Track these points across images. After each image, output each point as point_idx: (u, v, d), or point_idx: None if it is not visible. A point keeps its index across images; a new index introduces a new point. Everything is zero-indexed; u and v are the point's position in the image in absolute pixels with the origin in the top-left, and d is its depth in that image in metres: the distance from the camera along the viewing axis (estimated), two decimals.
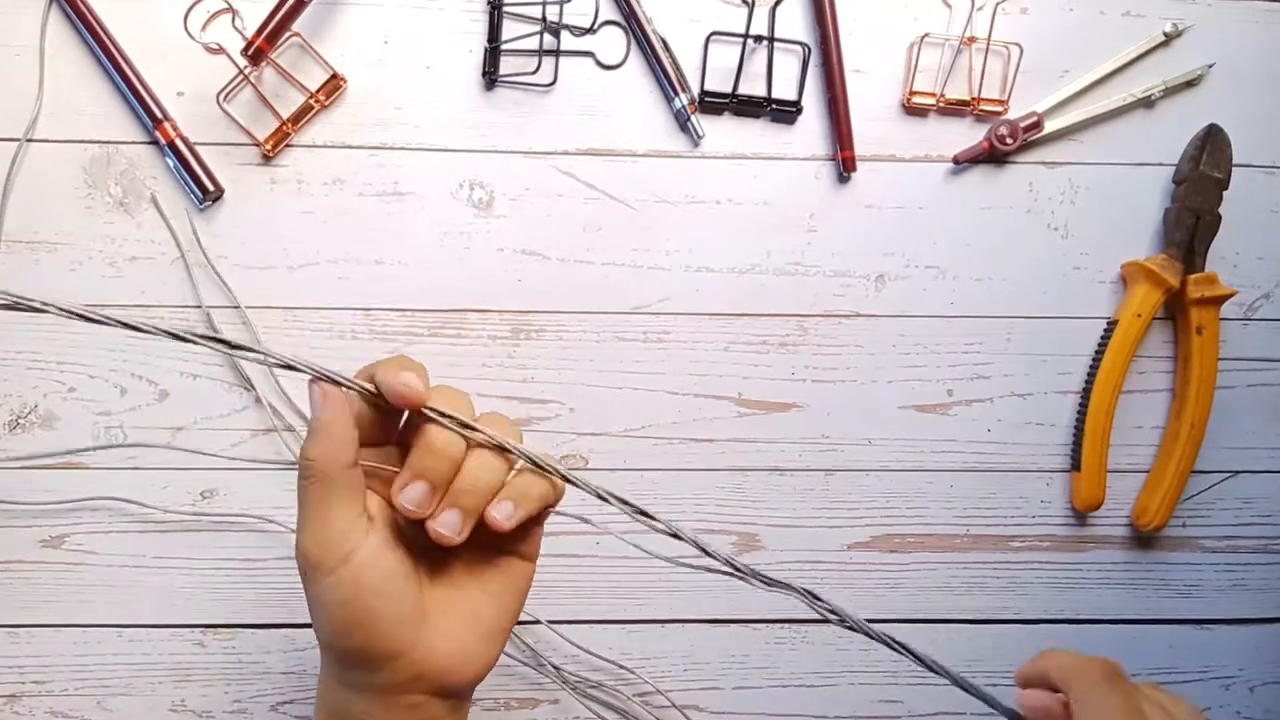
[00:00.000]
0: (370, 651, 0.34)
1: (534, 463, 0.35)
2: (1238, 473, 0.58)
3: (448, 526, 0.34)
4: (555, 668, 0.55)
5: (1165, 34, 0.56)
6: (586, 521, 0.55)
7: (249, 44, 0.50)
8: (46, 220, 0.53)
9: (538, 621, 0.55)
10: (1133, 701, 0.33)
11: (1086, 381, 0.57)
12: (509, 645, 0.55)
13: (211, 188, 0.52)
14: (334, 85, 0.53)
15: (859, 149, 0.55)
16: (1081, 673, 0.35)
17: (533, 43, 0.54)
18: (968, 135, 0.56)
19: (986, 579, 0.57)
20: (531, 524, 0.37)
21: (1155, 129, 0.57)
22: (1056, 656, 0.36)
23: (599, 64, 0.55)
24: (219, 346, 0.34)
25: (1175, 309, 0.57)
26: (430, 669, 0.35)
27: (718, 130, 0.55)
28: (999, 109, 0.56)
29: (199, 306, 0.53)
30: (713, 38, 0.55)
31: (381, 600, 0.34)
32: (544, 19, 0.54)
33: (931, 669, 0.36)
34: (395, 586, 0.34)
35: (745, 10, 0.55)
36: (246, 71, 0.52)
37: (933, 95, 0.56)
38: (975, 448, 0.57)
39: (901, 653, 0.36)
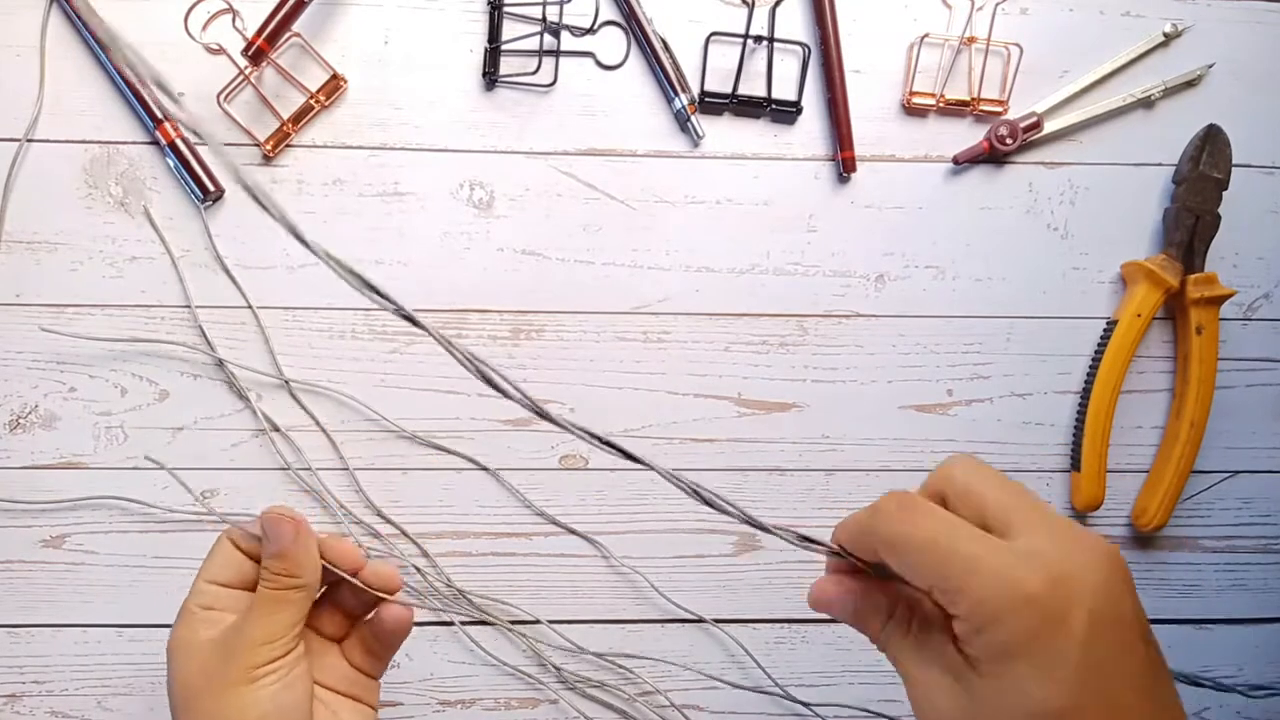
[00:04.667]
0: None
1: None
2: (1237, 473, 0.58)
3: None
4: (555, 667, 0.55)
5: (1165, 34, 0.56)
6: (578, 534, 0.55)
7: (249, 44, 0.50)
8: (47, 220, 0.53)
9: (538, 621, 0.55)
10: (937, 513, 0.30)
11: (1086, 381, 0.57)
12: (510, 644, 0.55)
13: (212, 188, 0.53)
14: (334, 85, 0.53)
15: (859, 149, 0.55)
16: (875, 526, 0.31)
17: (533, 43, 0.54)
18: (967, 135, 0.56)
19: None
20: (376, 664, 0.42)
21: (1155, 129, 0.57)
22: (841, 531, 0.33)
23: (599, 64, 0.55)
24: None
25: (1175, 309, 0.57)
26: None
27: (718, 130, 0.55)
28: (999, 109, 0.56)
29: (201, 306, 0.53)
30: (713, 38, 0.55)
31: (298, 704, 0.37)
32: (544, 19, 0.54)
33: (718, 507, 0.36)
34: (306, 696, 0.38)
35: (745, 10, 0.55)
36: (247, 72, 0.52)
37: (932, 95, 0.56)
38: (975, 448, 0.57)
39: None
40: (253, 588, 0.38)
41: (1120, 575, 0.29)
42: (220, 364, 0.53)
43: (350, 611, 0.42)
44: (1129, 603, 0.28)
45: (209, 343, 0.53)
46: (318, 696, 0.39)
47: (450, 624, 0.54)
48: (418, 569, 0.54)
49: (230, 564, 0.38)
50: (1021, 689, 0.27)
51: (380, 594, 0.40)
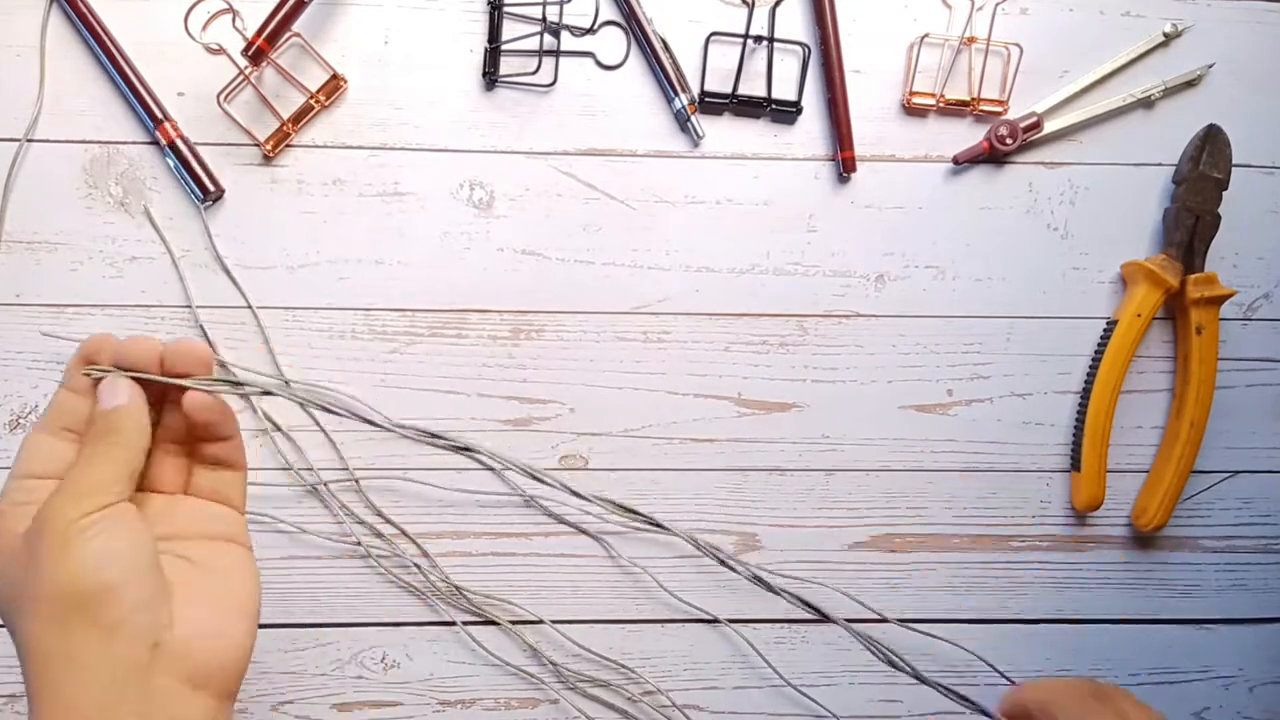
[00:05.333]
0: (123, 590, 0.32)
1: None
2: (1237, 473, 0.58)
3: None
4: (555, 665, 0.55)
5: (1165, 34, 0.56)
6: (584, 532, 0.55)
7: (249, 44, 0.51)
8: (47, 220, 0.53)
9: (540, 621, 0.55)
10: (1112, 712, 0.34)
11: (1086, 381, 0.57)
12: (510, 644, 0.55)
13: (212, 188, 0.53)
14: (334, 85, 0.53)
15: (859, 149, 0.55)
16: (1060, 697, 0.36)
17: (533, 43, 0.54)
18: (967, 135, 0.56)
19: (986, 579, 0.57)
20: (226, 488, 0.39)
21: (1155, 129, 0.57)
22: (1031, 688, 0.37)
23: (599, 64, 0.55)
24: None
25: (1175, 309, 0.57)
26: (179, 638, 0.33)
27: (718, 130, 0.56)
28: (999, 109, 0.56)
29: (201, 306, 0.53)
30: (713, 38, 0.55)
31: (135, 547, 0.33)
32: (544, 19, 0.54)
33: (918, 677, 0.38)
34: (144, 541, 0.34)
35: (745, 10, 0.55)
36: (247, 72, 0.52)
37: (932, 95, 0.56)
38: (975, 448, 0.57)
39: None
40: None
41: None
42: (221, 364, 0.53)
43: (183, 439, 0.39)
44: None
45: (209, 343, 0.53)
46: (182, 553, 0.36)
47: (451, 624, 0.54)
48: (419, 568, 0.54)
49: (43, 453, 0.35)
50: None
51: (179, 380, 0.36)
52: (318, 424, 0.54)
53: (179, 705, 0.33)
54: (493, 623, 0.55)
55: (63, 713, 0.32)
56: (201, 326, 0.53)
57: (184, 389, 0.36)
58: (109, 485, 0.34)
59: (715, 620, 0.55)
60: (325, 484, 0.54)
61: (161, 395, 0.37)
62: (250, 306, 0.53)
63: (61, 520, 0.32)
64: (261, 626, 0.54)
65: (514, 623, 0.55)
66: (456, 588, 0.54)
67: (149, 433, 0.36)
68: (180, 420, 0.37)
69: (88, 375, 0.36)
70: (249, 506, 0.53)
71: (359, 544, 0.54)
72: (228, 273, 0.53)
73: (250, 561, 0.38)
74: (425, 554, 0.54)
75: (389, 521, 0.54)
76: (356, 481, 0.54)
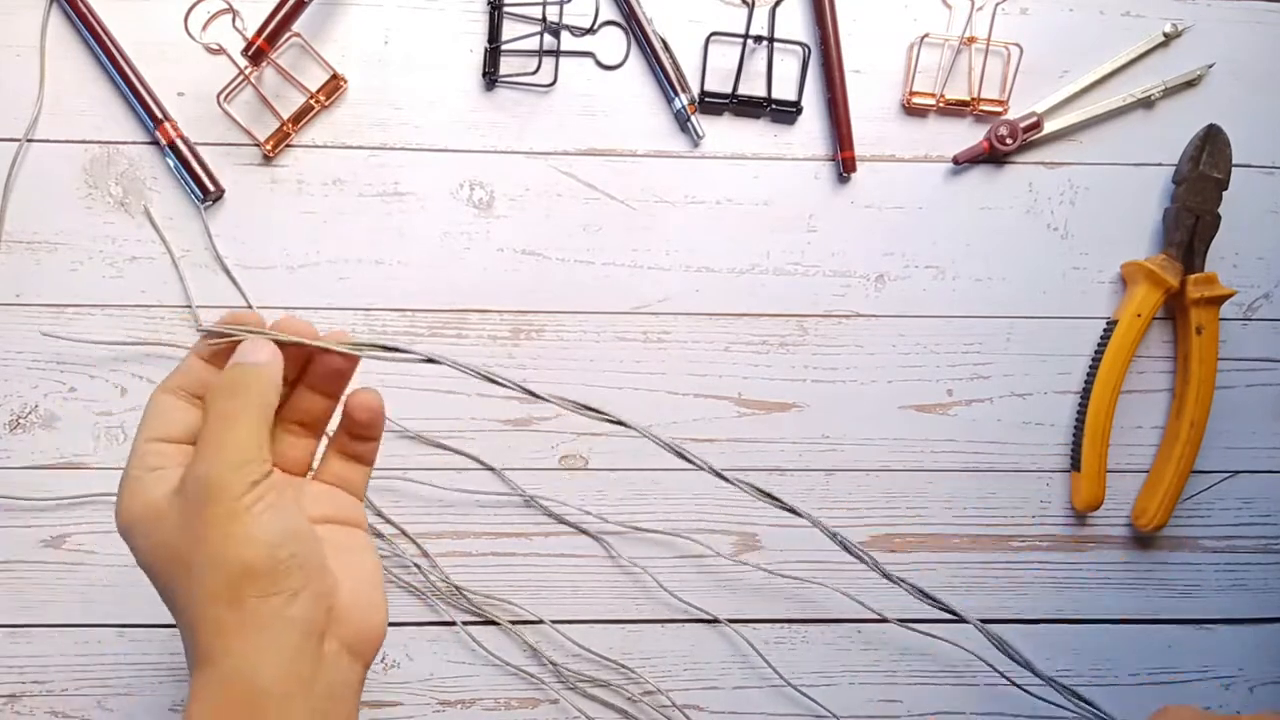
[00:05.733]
0: (300, 561, 0.32)
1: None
2: (1237, 473, 0.58)
3: None
4: (555, 665, 0.55)
5: (1165, 34, 0.56)
6: (584, 533, 0.55)
7: (249, 44, 0.51)
8: (47, 220, 0.53)
9: (540, 621, 0.55)
10: None
11: (1086, 381, 0.57)
12: (510, 644, 0.55)
13: (212, 188, 0.53)
14: (334, 85, 0.53)
15: (859, 149, 0.55)
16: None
17: (533, 43, 0.54)
18: (967, 135, 0.56)
19: (986, 579, 0.57)
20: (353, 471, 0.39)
21: (1155, 129, 0.57)
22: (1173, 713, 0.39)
23: (599, 64, 0.55)
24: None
25: (1175, 309, 0.57)
26: (342, 605, 0.34)
27: (718, 130, 0.56)
28: (999, 109, 0.56)
29: (201, 306, 0.53)
30: (713, 38, 0.55)
31: (301, 519, 0.33)
32: (544, 19, 0.54)
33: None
34: (302, 512, 0.34)
35: (745, 10, 0.55)
36: (247, 72, 0.52)
37: (932, 95, 0.56)
38: (975, 448, 0.57)
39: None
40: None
41: None
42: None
43: (312, 422, 0.38)
44: None
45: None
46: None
47: (451, 624, 0.54)
48: (419, 568, 0.54)
49: (174, 417, 0.34)
50: None
51: (338, 349, 0.36)
52: None
53: (340, 671, 0.34)
54: (493, 623, 0.55)
55: (239, 678, 0.31)
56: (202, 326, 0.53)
57: (330, 364, 0.36)
58: (256, 449, 0.33)
59: (715, 620, 0.55)
60: None
61: (297, 373, 0.37)
62: (250, 306, 0.53)
63: (226, 496, 0.31)
64: None
65: (514, 623, 0.55)
66: (456, 588, 0.54)
67: (279, 392, 0.34)
68: (311, 402, 0.37)
69: (212, 342, 0.35)
70: None
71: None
72: (228, 273, 0.53)
73: (372, 545, 0.38)
74: (425, 554, 0.54)
75: (389, 521, 0.54)
76: None
